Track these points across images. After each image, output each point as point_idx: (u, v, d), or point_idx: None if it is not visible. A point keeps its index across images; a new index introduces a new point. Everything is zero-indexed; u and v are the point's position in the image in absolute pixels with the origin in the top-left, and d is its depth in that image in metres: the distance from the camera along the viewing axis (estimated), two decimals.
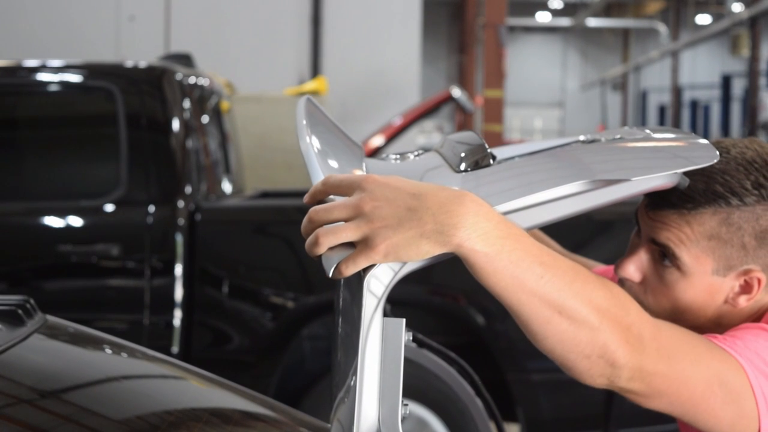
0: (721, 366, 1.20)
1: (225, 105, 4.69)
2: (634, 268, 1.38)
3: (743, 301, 1.36)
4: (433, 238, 1.02)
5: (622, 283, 1.39)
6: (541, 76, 35.18)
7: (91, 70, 3.98)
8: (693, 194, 1.32)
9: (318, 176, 1.07)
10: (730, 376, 1.19)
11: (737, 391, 1.19)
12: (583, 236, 3.72)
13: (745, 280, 1.35)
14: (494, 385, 3.54)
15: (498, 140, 14.39)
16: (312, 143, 1.10)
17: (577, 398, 3.65)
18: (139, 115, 3.84)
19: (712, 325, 1.37)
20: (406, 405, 1.08)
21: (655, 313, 1.33)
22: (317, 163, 1.09)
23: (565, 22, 31.21)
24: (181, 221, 3.72)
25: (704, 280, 1.35)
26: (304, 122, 1.13)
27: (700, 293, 1.35)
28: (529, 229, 1.14)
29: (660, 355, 1.14)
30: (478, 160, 1.22)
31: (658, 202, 1.34)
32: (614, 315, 1.10)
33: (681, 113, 28.87)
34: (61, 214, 3.77)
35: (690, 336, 1.20)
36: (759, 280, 1.35)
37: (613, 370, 1.11)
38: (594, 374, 1.12)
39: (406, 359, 1.06)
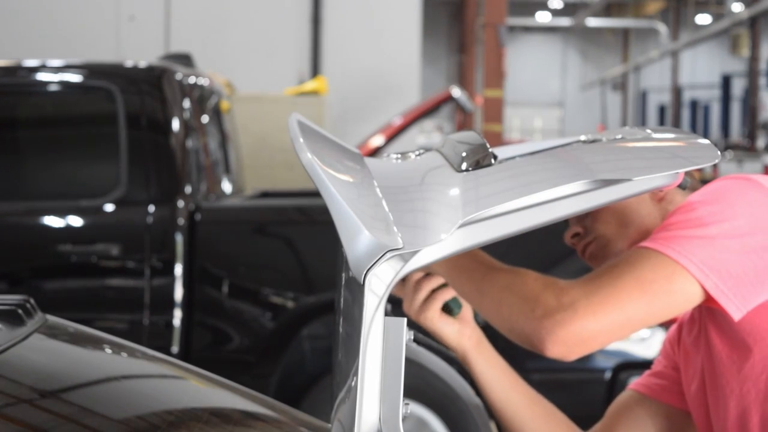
0: (640, 284, 1.32)
1: (225, 105, 4.69)
2: (572, 227, 1.57)
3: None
4: None
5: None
6: (541, 75, 35.18)
7: (91, 70, 3.98)
8: None
9: (326, 187, 1.08)
10: (656, 283, 1.32)
11: (666, 285, 1.33)
12: None
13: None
14: None
15: (498, 140, 14.39)
16: (314, 157, 1.11)
17: (577, 398, 3.65)
18: (139, 115, 3.83)
19: (659, 222, 1.51)
20: (407, 404, 1.08)
21: (616, 242, 1.52)
22: (323, 175, 1.09)
23: (565, 22, 31.21)
24: (181, 221, 3.72)
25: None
26: (301, 140, 1.15)
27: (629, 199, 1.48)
28: (529, 230, 1.15)
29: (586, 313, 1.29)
30: (480, 159, 1.22)
31: None
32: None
33: (681, 113, 28.88)
34: (61, 214, 3.76)
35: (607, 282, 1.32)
36: None
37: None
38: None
39: (406, 359, 1.06)
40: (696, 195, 1.44)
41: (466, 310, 1.65)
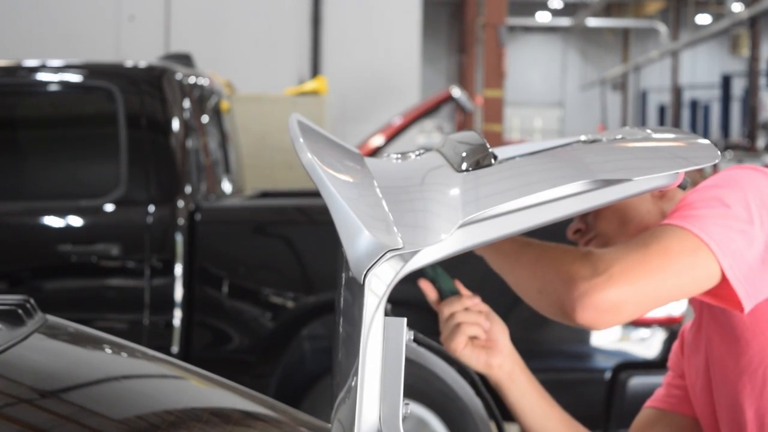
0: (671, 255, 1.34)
1: (225, 105, 4.69)
2: (574, 224, 1.61)
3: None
4: None
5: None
6: (541, 76, 35.19)
7: (91, 70, 3.98)
8: None
9: (326, 187, 1.08)
10: (683, 258, 1.34)
11: (692, 260, 1.35)
12: None
13: None
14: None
15: (498, 140, 14.39)
16: (314, 157, 1.11)
17: (577, 398, 3.65)
18: (139, 115, 3.83)
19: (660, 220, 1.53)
20: (407, 404, 1.08)
21: (617, 239, 1.56)
22: (323, 175, 1.09)
23: (565, 22, 31.21)
24: (181, 221, 3.72)
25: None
26: (301, 140, 1.15)
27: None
28: (529, 230, 1.14)
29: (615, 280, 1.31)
30: (480, 159, 1.22)
31: None
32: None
33: (681, 113, 28.88)
34: (61, 214, 3.76)
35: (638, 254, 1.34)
36: None
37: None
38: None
39: (406, 359, 1.06)
40: (710, 180, 1.45)
41: (498, 339, 1.62)
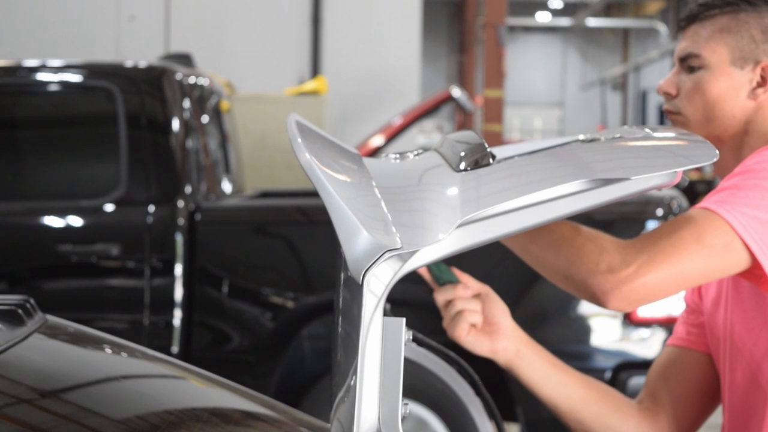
0: (701, 242, 1.38)
1: (225, 105, 4.69)
2: (669, 83, 1.63)
3: (761, 93, 1.57)
4: None
5: (665, 101, 1.62)
6: (541, 76, 35.16)
7: (91, 70, 3.98)
8: (709, 2, 1.60)
9: (324, 187, 1.08)
10: (714, 245, 1.38)
11: (722, 249, 1.38)
12: None
13: (761, 74, 1.57)
14: (494, 385, 3.54)
15: (498, 140, 14.39)
16: (312, 157, 1.12)
17: None
18: (139, 115, 3.84)
19: (741, 132, 1.58)
20: (406, 404, 1.08)
21: (693, 120, 1.59)
22: (321, 175, 1.09)
23: (565, 22, 31.20)
24: (181, 221, 3.72)
25: (724, 71, 1.57)
26: (300, 140, 1.15)
27: (725, 86, 1.57)
28: (528, 229, 1.15)
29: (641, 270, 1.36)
30: (478, 159, 1.22)
31: (685, 22, 1.63)
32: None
33: None
34: (61, 214, 3.77)
35: (666, 237, 1.38)
36: None
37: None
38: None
39: (405, 359, 1.06)
40: (754, 158, 1.49)
41: (500, 322, 1.61)
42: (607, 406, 1.67)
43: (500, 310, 1.62)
